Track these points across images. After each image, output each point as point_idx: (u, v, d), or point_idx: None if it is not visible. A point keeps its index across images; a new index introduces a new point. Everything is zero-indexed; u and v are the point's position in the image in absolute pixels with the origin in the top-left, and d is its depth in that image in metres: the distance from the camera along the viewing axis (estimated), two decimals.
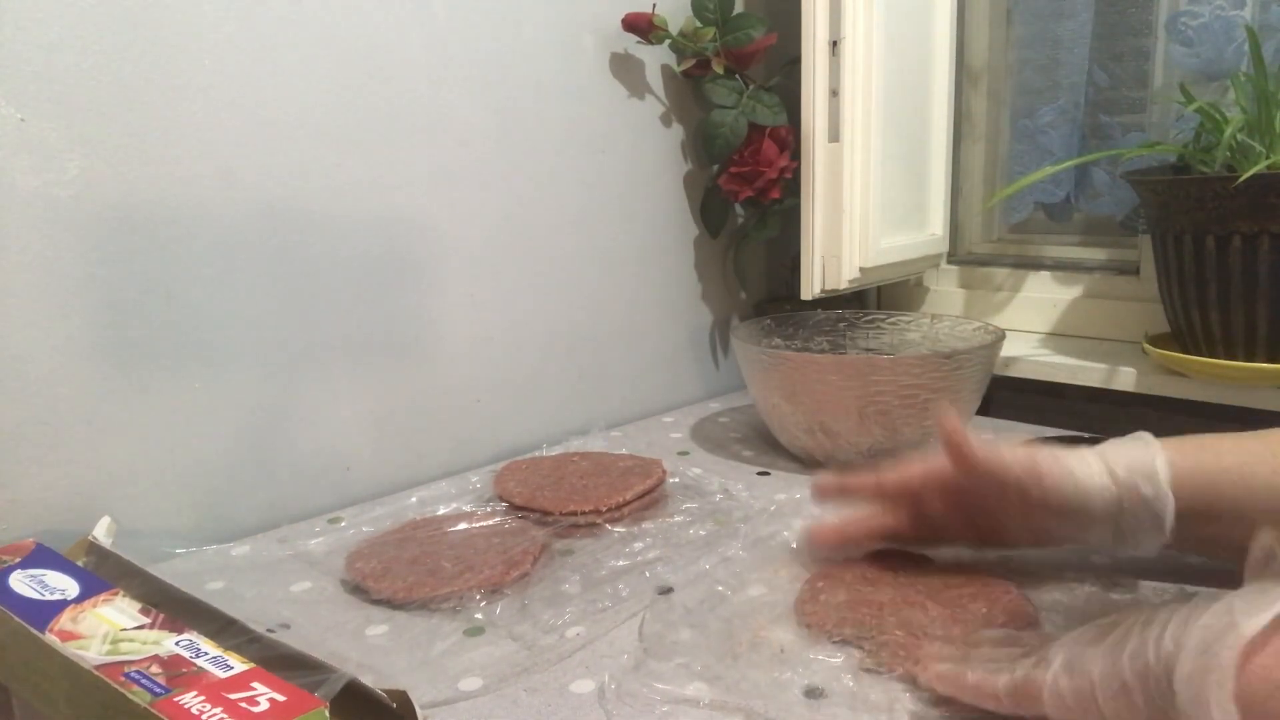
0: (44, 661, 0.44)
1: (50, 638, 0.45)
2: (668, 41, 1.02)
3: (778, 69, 1.09)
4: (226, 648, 0.44)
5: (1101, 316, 1.09)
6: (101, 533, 0.61)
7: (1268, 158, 0.79)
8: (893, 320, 1.02)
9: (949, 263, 1.21)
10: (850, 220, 0.98)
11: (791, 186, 1.05)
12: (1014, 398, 1.05)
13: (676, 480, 0.84)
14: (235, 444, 0.77)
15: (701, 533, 0.72)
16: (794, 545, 0.69)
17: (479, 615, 0.61)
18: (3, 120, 0.63)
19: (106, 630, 0.47)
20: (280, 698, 0.39)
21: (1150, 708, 0.39)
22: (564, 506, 0.75)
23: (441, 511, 0.78)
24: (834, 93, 0.96)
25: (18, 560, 0.54)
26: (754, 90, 1.05)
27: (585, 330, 1.04)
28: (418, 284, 0.88)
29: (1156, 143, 0.95)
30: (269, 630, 0.48)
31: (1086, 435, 0.70)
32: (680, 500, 0.80)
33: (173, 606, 0.50)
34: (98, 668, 0.42)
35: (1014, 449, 0.57)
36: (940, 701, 0.49)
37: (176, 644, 0.45)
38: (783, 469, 0.89)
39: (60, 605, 0.49)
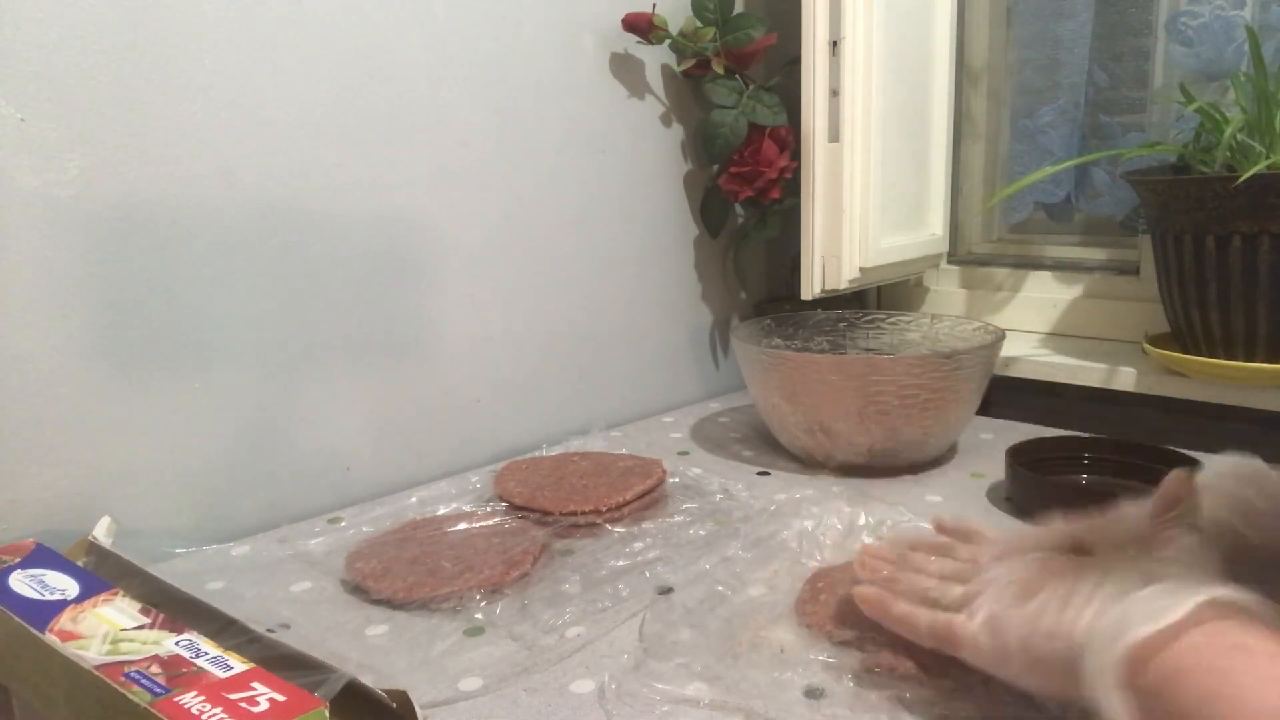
0: (44, 661, 0.44)
1: (50, 638, 0.45)
2: (668, 41, 1.02)
3: (778, 69, 1.09)
4: (226, 648, 0.44)
5: (1101, 316, 1.09)
6: (101, 533, 0.61)
7: (1268, 158, 0.79)
8: (893, 320, 1.02)
9: (949, 263, 1.21)
10: (850, 220, 0.98)
11: (791, 186, 1.05)
12: (1014, 398, 1.05)
13: (676, 480, 0.84)
14: (235, 444, 0.77)
15: (701, 533, 0.72)
16: (794, 545, 0.69)
17: (479, 615, 0.61)
18: (3, 120, 0.63)
19: (106, 630, 0.47)
20: (280, 698, 0.39)
21: (1064, 680, 0.42)
22: (564, 506, 0.75)
23: (441, 511, 0.78)
24: (834, 93, 0.96)
25: (18, 560, 0.54)
26: (754, 90, 1.05)
27: (585, 330, 1.04)
28: (418, 284, 0.88)
29: (1156, 143, 0.95)
30: (269, 630, 0.48)
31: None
32: (680, 500, 0.80)
33: (173, 606, 0.50)
34: (98, 668, 0.42)
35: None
36: (942, 702, 0.49)
37: (176, 644, 0.45)
38: (783, 469, 0.89)
39: (60, 605, 0.49)
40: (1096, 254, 1.12)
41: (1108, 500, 0.76)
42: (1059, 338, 1.11)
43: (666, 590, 0.63)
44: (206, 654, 0.44)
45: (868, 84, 0.96)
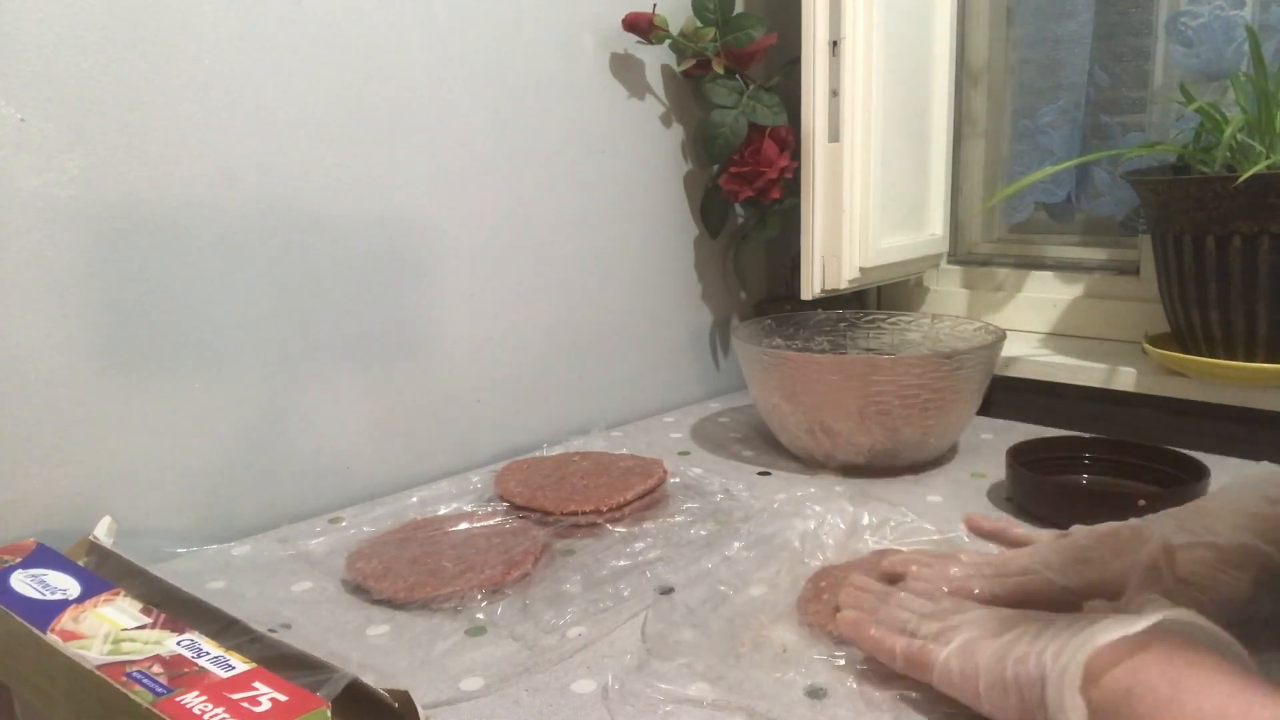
0: (45, 661, 0.44)
1: (52, 637, 0.45)
2: (668, 41, 1.02)
3: (778, 69, 1.09)
4: (228, 647, 0.44)
5: (1101, 316, 1.09)
6: (102, 533, 0.61)
7: (1268, 158, 0.79)
8: (893, 320, 1.02)
9: (949, 262, 1.21)
10: (850, 220, 0.98)
11: (791, 186, 1.05)
12: (1014, 398, 1.05)
13: (677, 480, 0.84)
14: (235, 444, 0.77)
15: (702, 533, 0.72)
16: (796, 544, 0.69)
17: (480, 615, 0.61)
18: (3, 120, 0.63)
19: (108, 630, 0.47)
20: (282, 697, 0.39)
21: (1022, 705, 0.43)
22: (565, 506, 0.75)
23: (442, 511, 0.78)
24: (834, 93, 0.96)
25: (19, 560, 0.54)
26: (754, 90, 1.05)
27: (585, 330, 1.04)
28: (418, 284, 0.88)
29: (1156, 143, 0.95)
30: (270, 630, 0.48)
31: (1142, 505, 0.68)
32: (681, 500, 0.80)
33: (174, 606, 0.49)
34: (99, 667, 0.42)
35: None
36: (943, 701, 0.49)
37: (178, 644, 0.45)
38: (783, 469, 0.89)
39: (61, 605, 0.49)
40: (1096, 254, 1.12)
41: (1107, 501, 0.76)
42: (1059, 338, 1.11)
43: (668, 590, 0.63)
44: (208, 654, 0.44)
45: (868, 84, 0.96)
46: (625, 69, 1.03)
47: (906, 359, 0.81)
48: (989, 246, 1.22)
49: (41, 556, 0.55)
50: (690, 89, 1.09)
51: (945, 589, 0.57)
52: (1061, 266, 1.13)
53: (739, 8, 1.07)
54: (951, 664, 0.47)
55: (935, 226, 1.12)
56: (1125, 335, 1.06)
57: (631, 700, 0.51)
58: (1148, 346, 0.93)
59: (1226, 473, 0.81)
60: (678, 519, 0.75)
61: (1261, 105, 0.81)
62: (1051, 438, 0.87)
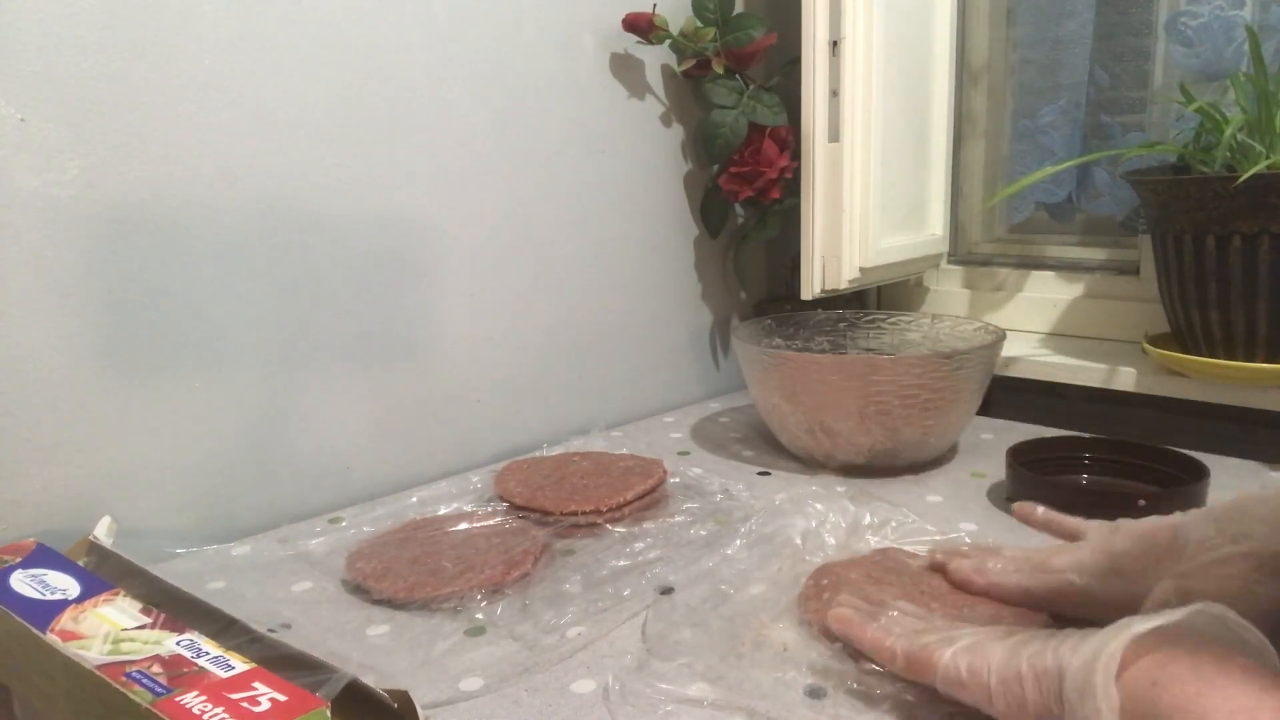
0: (45, 661, 0.44)
1: (51, 637, 0.45)
2: (668, 41, 1.02)
3: (778, 69, 1.09)
4: (227, 648, 0.44)
5: (1101, 316, 1.09)
6: (102, 533, 0.61)
7: (1268, 158, 0.79)
8: (893, 320, 1.02)
9: (950, 262, 1.21)
10: (850, 220, 0.98)
11: (791, 186, 1.05)
12: (1014, 398, 1.05)
13: (677, 480, 0.84)
14: (235, 444, 0.77)
15: (702, 533, 0.72)
16: (797, 542, 0.69)
17: (480, 615, 0.61)
18: (3, 120, 0.63)
19: (108, 630, 0.47)
20: (281, 698, 0.39)
21: (1038, 703, 0.42)
22: (565, 506, 0.75)
23: (442, 511, 0.78)
24: (834, 93, 0.96)
25: (18, 560, 0.54)
26: (754, 90, 1.05)
27: (585, 330, 1.04)
28: (418, 284, 0.88)
29: (1157, 143, 0.95)
30: (270, 630, 0.48)
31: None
32: (681, 500, 0.80)
33: (174, 606, 0.49)
34: (99, 667, 0.42)
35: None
36: (943, 701, 0.49)
37: (178, 644, 0.45)
38: (783, 469, 0.89)
39: (61, 605, 0.49)
40: (1096, 254, 1.12)
41: (1107, 501, 0.76)
42: (1059, 338, 1.11)
43: (668, 590, 0.63)
44: (208, 654, 0.44)
45: (868, 84, 0.96)
46: (625, 69, 1.03)
47: (906, 359, 0.81)
48: (989, 246, 1.22)
49: (41, 556, 0.55)
50: (690, 89, 1.09)
51: (950, 609, 0.56)
52: (1061, 266, 1.13)
53: (739, 8, 1.07)
54: (959, 661, 0.46)
55: (935, 226, 1.12)
56: (1125, 335, 1.06)
57: (632, 700, 0.51)
58: (1148, 346, 0.93)
59: (1226, 473, 0.82)
60: (678, 519, 0.75)
61: (1261, 105, 0.81)
62: (1051, 438, 0.87)
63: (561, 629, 0.59)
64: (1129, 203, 1.05)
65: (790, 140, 1.05)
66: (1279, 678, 0.36)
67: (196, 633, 0.46)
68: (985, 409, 0.96)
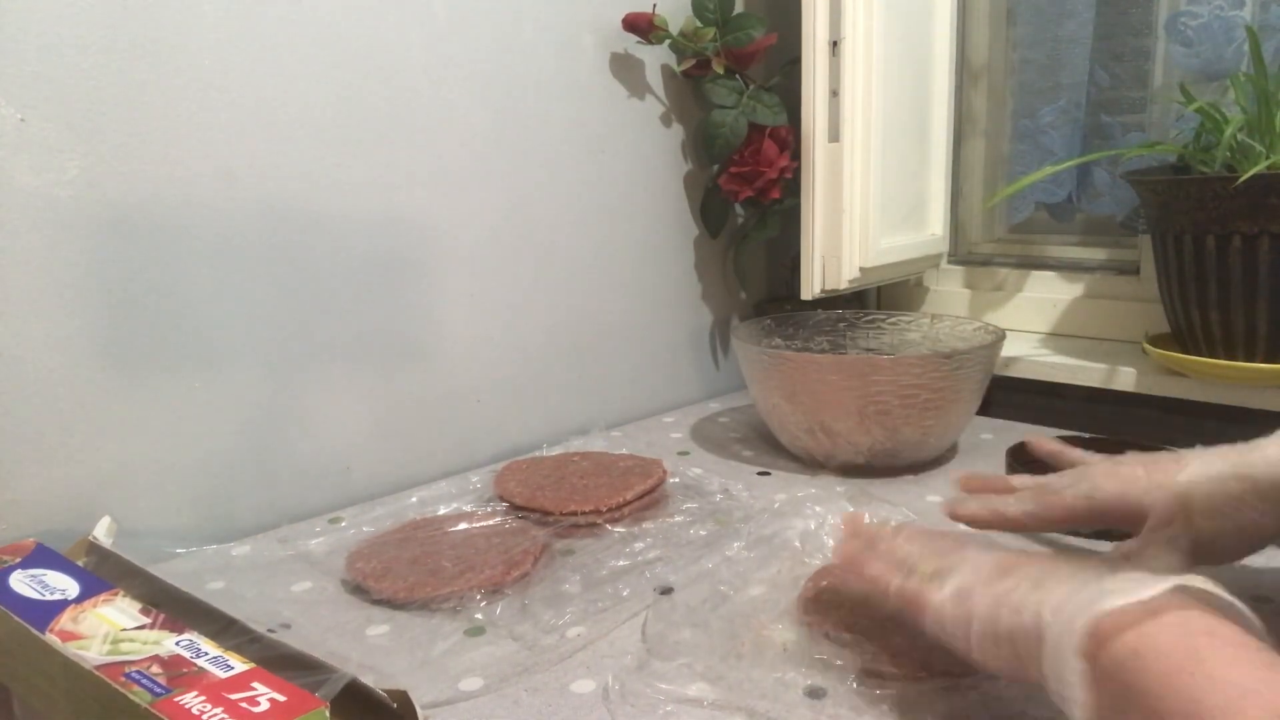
0: (44, 661, 0.44)
1: (51, 638, 0.45)
2: (668, 41, 1.02)
3: (778, 69, 1.09)
4: (227, 648, 0.44)
5: (1101, 316, 1.09)
6: (102, 533, 0.61)
7: (1268, 158, 0.79)
8: (893, 320, 1.02)
9: (950, 262, 1.21)
10: (850, 220, 0.98)
11: (791, 186, 1.05)
12: (1014, 398, 1.05)
13: (677, 480, 0.84)
14: (235, 444, 0.77)
15: (702, 533, 0.72)
16: (797, 544, 0.69)
17: (479, 615, 0.61)
18: (3, 120, 0.63)
19: (107, 630, 0.47)
20: (281, 698, 0.39)
21: (1016, 659, 0.42)
22: (564, 506, 0.75)
23: (442, 511, 0.78)
24: (834, 93, 0.96)
25: (18, 560, 0.54)
26: (754, 90, 1.05)
27: (585, 330, 1.04)
28: (418, 284, 0.88)
29: (1157, 143, 0.95)
30: (269, 630, 0.48)
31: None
32: (681, 500, 0.80)
33: (173, 606, 0.49)
34: (98, 668, 0.42)
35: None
36: (943, 701, 0.49)
37: (177, 644, 0.45)
38: (783, 469, 0.89)
39: (61, 605, 0.49)
40: (1096, 254, 1.12)
41: None
42: (1059, 338, 1.11)
43: (667, 590, 0.63)
44: (207, 654, 0.44)
45: (868, 84, 0.96)
46: (625, 69, 1.03)
47: (906, 359, 0.81)
48: (989, 246, 1.22)
49: (41, 556, 0.55)
50: (690, 89, 1.09)
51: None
52: (1061, 266, 1.13)
53: (739, 8, 1.07)
54: (946, 609, 0.46)
55: (935, 226, 1.12)
56: (1125, 335, 1.06)
57: (632, 700, 0.51)
58: (1148, 346, 0.93)
59: None
60: (677, 519, 0.75)
61: (1261, 105, 0.81)
62: (1051, 438, 0.87)
63: (561, 629, 0.59)
64: (1129, 203, 1.05)
65: (790, 140, 1.05)
66: (1269, 650, 0.35)
67: (196, 633, 0.46)
68: (985, 409, 0.96)
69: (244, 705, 0.39)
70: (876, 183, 0.99)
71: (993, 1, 1.14)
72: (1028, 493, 0.61)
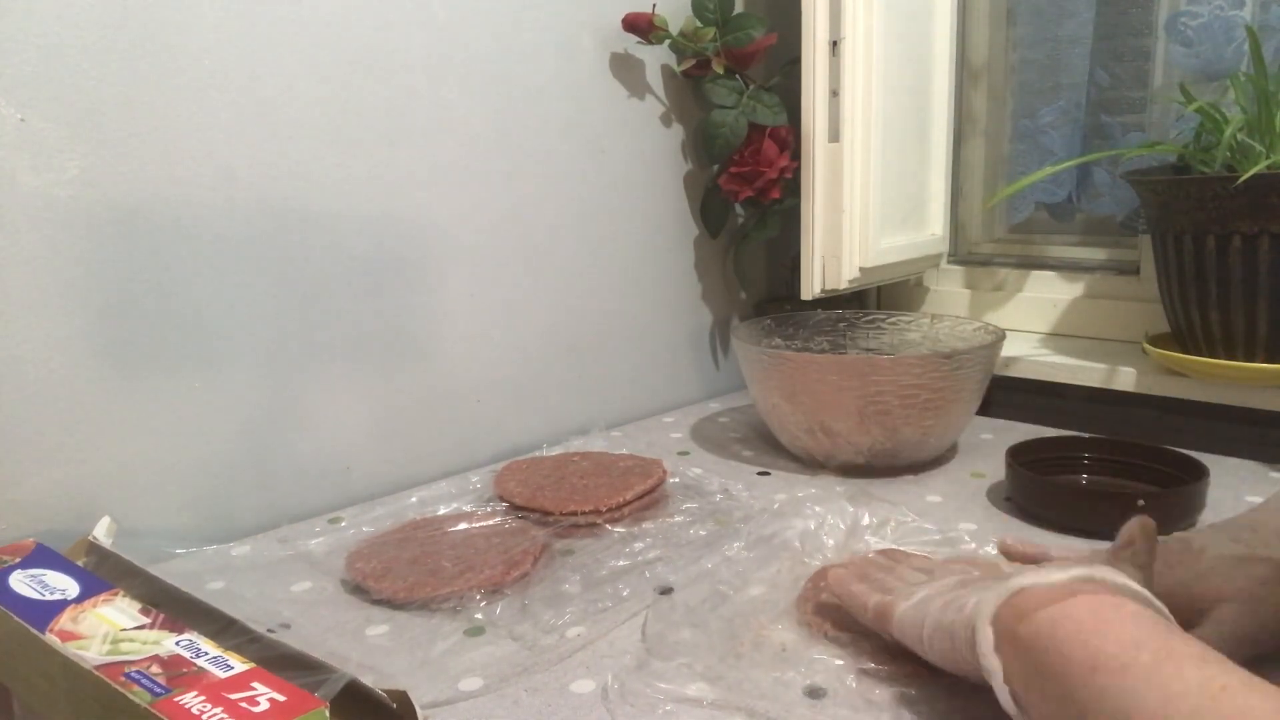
0: (44, 661, 0.44)
1: (50, 638, 0.45)
2: (668, 41, 1.02)
3: (778, 69, 1.09)
4: (227, 648, 0.44)
5: (1101, 316, 1.09)
6: (101, 533, 0.61)
7: (1268, 158, 0.79)
8: (893, 320, 1.02)
9: (950, 262, 1.21)
10: (850, 220, 0.98)
11: (791, 186, 1.05)
12: (1014, 398, 1.05)
13: (677, 480, 0.84)
14: (235, 444, 0.77)
15: (702, 533, 0.72)
16: (796, 544, 0.69)
17: (479, 615, 0.61)
18: (3, 120, 0.63)
19: (107, 630, 0.47)
20: (280, 698, 0.39)
21: (954, 650, 0.46)
22: (564, 506, 0.75)
23: (442, 511, 0.78)
24: (834, 93, 0.96)
25: (18, 560, 0.54)
26: (754, 90, 1.05)
27: (585, 330, 1.04)
28: (418, 284, 0.88)
29: (1157, 143, 0.95)
30: (269, 630, 0.48)
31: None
32: (680, 500, 0.80)
33: (173, 606, 0.49)
34: (98, 668, 0.42)
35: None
36: (941, 700, 0.49)
37: (177, 644, 0.45)
38: (783, 469, 0.89)
39: (60, 605, 0.49)
40: (1096, 254, 1.12)
41: (1106, 501, 0.76)
42: (1059, 338, 1.11)
43: (667, 590, 0.63)
44: (207, 654, 0.44)
45: (868, 84, 0.96)
46: (625, 69, 1.03)
47: (906, 359, 0.81)
48: (989, 246, 1.22)
49: (41, 557, 0.55)
50: (690, 89, 1.09)
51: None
52: (1062, 266, 1.13)
53: (739, 8, 1.07)
54: (907, 616, 0.50)
55: (935, 226, 1.12)
56: (1125, 335, 1.06)
57: (632, 700, 0.51)
58: (1148, 346, 0.93)
59: (1226, 473, 0.81)
60: (677, 519, 0.75)
61: (1261, 105, 0.81)
62: (1051, 438, 0.87)
63: (561, 629, 0.59)
64: (1129, 203, 1.05)
65: (790, 140, 1.05)
66: (1166, 623, 0.39)
67: (195, 633, 0.46)
68: (985, 409, 0.96)
69: (244, 705, 0.39)
70: (876, 183, 0.99)
71: (993, 1, 1.14)
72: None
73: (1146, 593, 0.42)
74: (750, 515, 0.75)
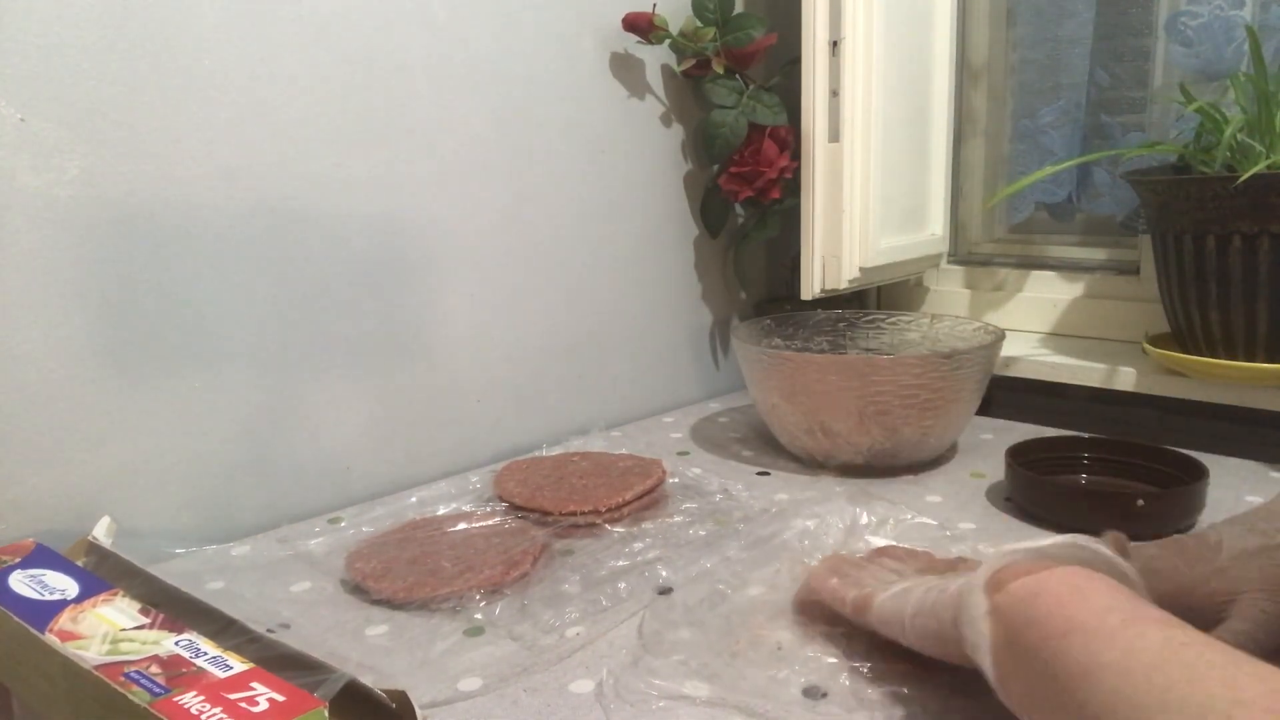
0: (44, 661, 0.44)
1: (50, 638, 0.45)
2: (668, 41, 1.02)
3: (778, 69, 1.09)
4: (226, 648, 0.44)
5: (1101, 316, 1.09)
6: (101, 533, 0.61)
7: (1268, 158, 0.79)
8: (893, 320, 1.02)
9: (950, 262, 1.21)
10: (850, 220, 0.98)
11: (791, 186, 1.05)
12: (1014, 398, 1.05)
13: (676, 480, 0.84)
14: (235, 444, 0.77)
15: (701, 533, 0.72)
16: (795, 544, 0.69)
17: (479, 615, 0.61)
18: (3, 120, 0.63)
19: (106, 630, 0.47)
20: (280, 698, 0.39)
21: (938, 628, 0.47)
22: (564, 506, 0.75)
23: (441, 511, 0.78)
24: (834, 93, 0.96)
25: (18, 560, 0.54)
26: (754, 90, 1.05)
27: (585, 330, 1.04)
28: (418, 284, 0.88)
29: (1157, 143, 0.95)
30: (269, 630, 0.48)
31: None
32: (680, 500, 0.80)
33: (172, 606, 0.50)
34: (97, 668, 0.42)
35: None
36: (938, 700, 0.49)
37: (176, 644, 0.45)
38: (783, 469, 0.89)
39: (60, 605, 0.49)
40: (1096, 254, 1.12)
41: (1106, 501, 0.76)
42: (1059, 338, 1.11)
43: (666, 590, 0.63)
44: (206, 654, 0.44)
45: (868, 84, 0.96)
46: (625, 69, 1.03)
47: (906, 359, 0.81)
48: (989, 246, 1.22)
49: (40, 557, 0.55)
50: (690, 89, 1.09)
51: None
52: (1062, 266, 1.13)
53: (739, 8, 1.07)
54: (886, 605, 0.51)
55: (935, 226, 1.12)
56: (1125, 335, 1.06)
57: (626, 696, 0.51)
58: (1148, 346, 0.93)
59: (1226, 473, 0.81)
60: (677, 519, 0.75)
61: (1261, 105, 0.81)
62: (1051, 438, 0.87)
63: (560, 629, 0.59)
64: (1129, 203, 1.05)
65: (790, 140, 1.05)
66: (1137, 593, 0.41)
67: (195, 633, 0.46)
68: (985, 409, 0.96)
69: (243, 705, 0.39)
70: (876, 183, 0.99)
71: (993, 1, 1.14)
72: None
73: (1123, 564, 0.44)
74: (750, 515, 0.75)
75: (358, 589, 0.65)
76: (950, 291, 1.20)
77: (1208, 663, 0.34)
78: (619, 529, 0.74)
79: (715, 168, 1.12)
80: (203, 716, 0.38)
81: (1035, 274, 1.14)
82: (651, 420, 1.09)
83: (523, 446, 0.97)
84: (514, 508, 0.77)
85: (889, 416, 0.82)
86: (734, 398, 1.17)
